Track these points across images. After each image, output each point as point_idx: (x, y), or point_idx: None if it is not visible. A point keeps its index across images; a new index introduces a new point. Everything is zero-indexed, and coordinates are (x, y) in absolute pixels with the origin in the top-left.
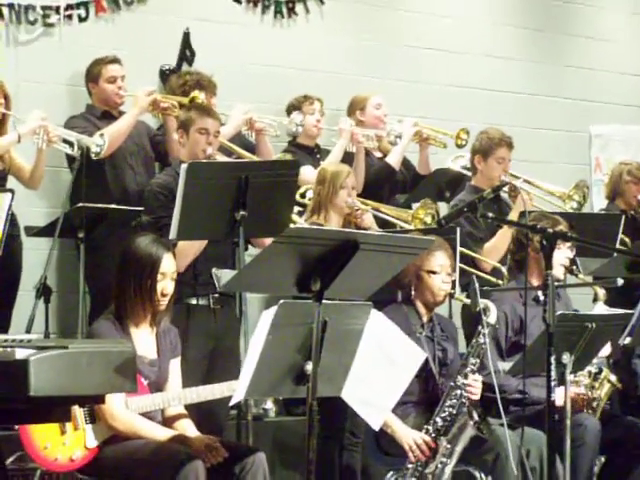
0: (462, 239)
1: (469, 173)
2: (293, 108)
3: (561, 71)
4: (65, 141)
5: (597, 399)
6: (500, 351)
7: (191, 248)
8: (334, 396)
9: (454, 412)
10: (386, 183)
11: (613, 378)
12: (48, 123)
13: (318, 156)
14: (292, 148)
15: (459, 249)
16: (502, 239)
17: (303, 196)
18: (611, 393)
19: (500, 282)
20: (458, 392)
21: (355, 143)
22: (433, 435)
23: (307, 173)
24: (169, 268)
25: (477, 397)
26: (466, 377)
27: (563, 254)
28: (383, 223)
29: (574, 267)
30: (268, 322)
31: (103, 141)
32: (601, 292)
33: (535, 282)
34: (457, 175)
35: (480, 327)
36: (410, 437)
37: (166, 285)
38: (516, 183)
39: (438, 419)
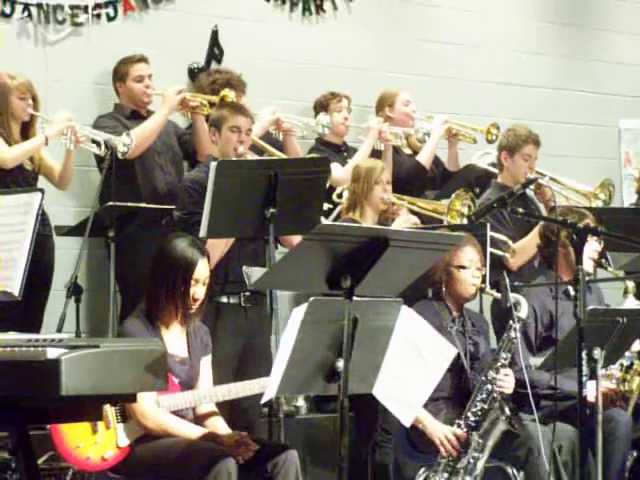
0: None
1: (496, 170)
2: (320, 105)
3: (589, 65)
4: (93, 141)
5: (629, 392)
6: (530, 346)
7: (219, 245)
8: (366, 393)
9: (486, 407)
10: (417, 182)
11: None
12: (75, 123)
13: (345, 154)
14: (319, 146)
15: (489, 244)
16: (533, 240)
17: (340, 196)
18: None
19: None
20: (489, 387)
21: (383, 141)
22: (465, 430)
23: (334, 171)
24: (203, 274)
25: (510, 391)
26: (497, 372)
27: (591, 247)
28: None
29: (603, 260)
30: (299, 319)
31: (130, 140)
32: (630, 285)
33: (564, 276)
34: (486, 171)
35: (511, 321)
36: (441, 432)
37: (198, 290)
38: (542, 181)
39: (470, 414)
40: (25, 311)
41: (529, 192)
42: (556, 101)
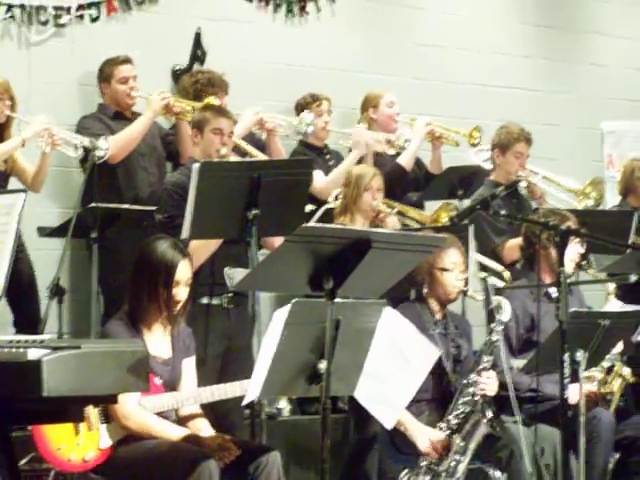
0: (483, 229)
1: (490, 167)
2: (301, 107)
3: (572, 68)
4: (70, 144)
5: (610, 394)
6: (511, 348)
7: (204, 247)
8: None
9: (467, 410)
10: (398, 184)
11: (626, 372)
12: (52, 126)
13: (327, 156)
14: (302, 149)
15: (471, 247)
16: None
17: (337, 199)
18: (624, 387)
19: None
20: (471, 390)
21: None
22: (447, 433)
23: (316, 179)
24: (184, 275)
25: (492, 393)
26: (479, 374)
27: (573, 249)
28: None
29: (584, 262)
30: (281, 321)
31: (107, 144)
32: (610, 287)
33: (546, 278)
34: (469, 172)
35: (493, 324)
36: (424, 434)
37: (179, 292)
38: (534, 179)
39: (451, 417)
40: (22, 312)
41: (522, 190)
42: (539, 103)
